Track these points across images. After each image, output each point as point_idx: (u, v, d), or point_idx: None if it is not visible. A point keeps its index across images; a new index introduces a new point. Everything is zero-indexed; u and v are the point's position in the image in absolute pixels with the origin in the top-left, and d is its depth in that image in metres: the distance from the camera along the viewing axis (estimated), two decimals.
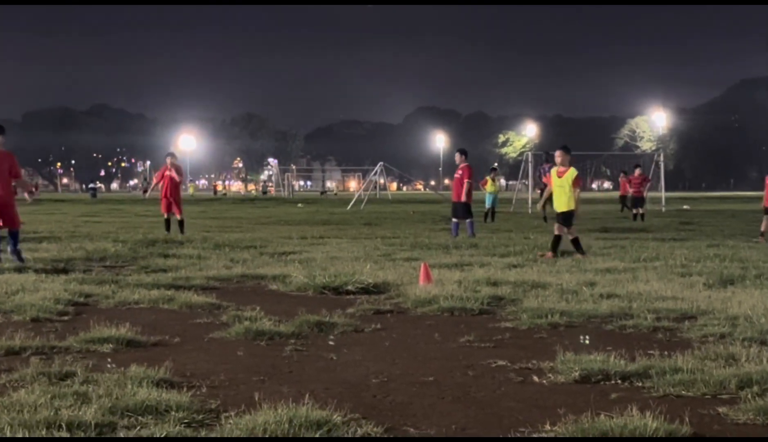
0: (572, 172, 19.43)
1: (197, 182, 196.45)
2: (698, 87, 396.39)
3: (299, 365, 8.37)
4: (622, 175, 53.13)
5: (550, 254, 18.92)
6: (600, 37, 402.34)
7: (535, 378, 7.81)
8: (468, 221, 25.53)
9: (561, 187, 19.47)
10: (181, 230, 26.05)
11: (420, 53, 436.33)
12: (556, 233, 19.38)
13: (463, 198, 25.43)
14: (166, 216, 26.69)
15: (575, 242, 19.25)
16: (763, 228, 25.18)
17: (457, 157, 26.24)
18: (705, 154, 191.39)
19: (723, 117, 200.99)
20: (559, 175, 19.55)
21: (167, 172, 26.40)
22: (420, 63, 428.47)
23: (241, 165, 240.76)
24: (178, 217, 26.35)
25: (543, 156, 38.57)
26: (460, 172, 25.78)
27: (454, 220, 26.06)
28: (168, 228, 26.47)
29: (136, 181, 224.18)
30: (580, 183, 19.83)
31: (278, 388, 7.38)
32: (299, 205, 67.79)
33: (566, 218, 19.38)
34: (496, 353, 8.91)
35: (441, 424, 6.38)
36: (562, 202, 19.44)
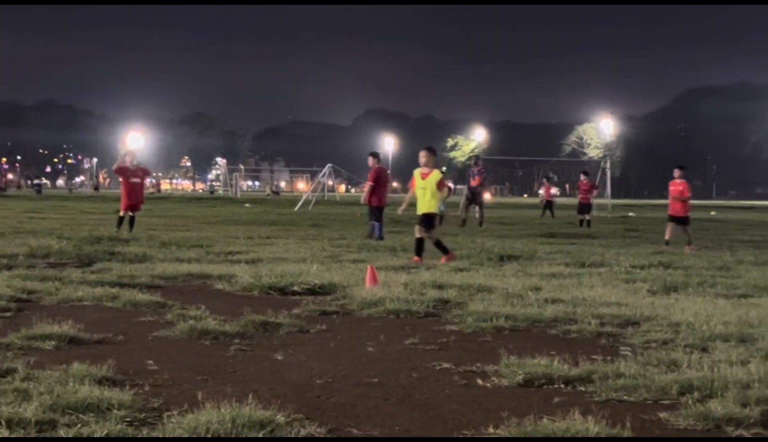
0: (436, 175, 18.98)
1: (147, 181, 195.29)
2: (646, 95, 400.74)
3: (243, 365, 8.34)
4: (544, 180, 53.64)
5: (417, 258, 18.51)
6: (550, 44, 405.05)
7: (479, 381, 7.83)
8: (375, 223, 25.78)
9: (424, 190, 18.99)
10: (131, 228, 25.88)
11: (371, 56, 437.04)
12: (417, 235, 18.98)
13: (366, 200, 25.83)
14: (123, 214, 26.38)
15: (438, 244, 18.92)
16: (667, 236, 25.37)
17: (369, 160, 26.56)
18: (651, 162, 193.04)
19: (670, 125, 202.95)
20: (423, 176, 19.09)
21: (133, 179, 26.20)
22: (370, 65, 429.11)
23: (189, 164, 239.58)
24: (136, 214, 26.29)
25: (471, 160, 38.71)
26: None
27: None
28: (121, 224, 26.19)
29: (83, 178, 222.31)
30: (444, 186, 19.44)
31: (222, 387, 7.35)
32: (247, 205, 67.53)
33: (428, 221, 18.91)
34: (441, 355, 8.93)
35: (384, 425, 6.39)
36: (424, 204, 18.95)
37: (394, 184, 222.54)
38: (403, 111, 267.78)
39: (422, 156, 19.39)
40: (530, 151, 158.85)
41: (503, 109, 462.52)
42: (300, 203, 62.46)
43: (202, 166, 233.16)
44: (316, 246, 22.05)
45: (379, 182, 25.97)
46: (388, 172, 26.08)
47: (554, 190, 54.46)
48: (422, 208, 19.02)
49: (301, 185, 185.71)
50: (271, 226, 34.31)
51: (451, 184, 40.47)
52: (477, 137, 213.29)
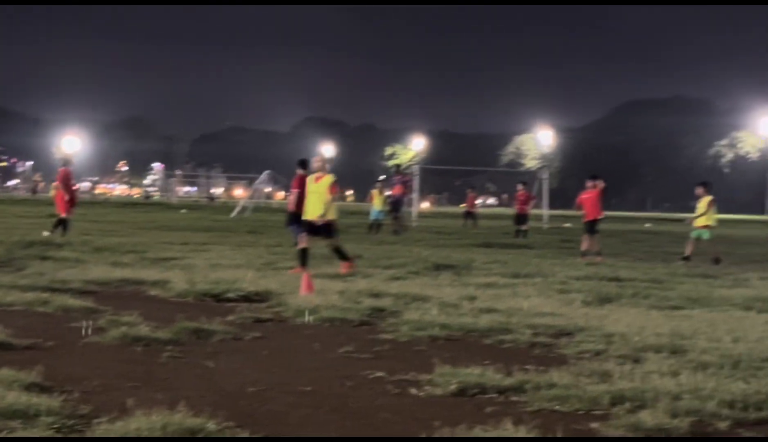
0: (328, 179, 18.50)
1: (81, 185, 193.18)
2: (585, 107, 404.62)
3: (175, 372, 8.27)
4: (469, 190, 53.91)
5: (299, 269, 17.78)
6: (490, 54, 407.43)
7: (413, 390, 7.83)
8: (291, 227, 25.83)
9: (316, 194, 18.57)
10: (65, 230, 25.75)
11: (311, 63, 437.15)
12: (303, 244, 18.47)
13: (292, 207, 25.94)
14: (65, 216, 26.22)
15: (338, 250, 18.56)
16: (584, 247, 25.51)
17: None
18: (588, 174, 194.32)
19: (607, 137, 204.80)
20: (316, 180, 18.71)
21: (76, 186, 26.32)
22: (310, 73, 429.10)
23: (125, 168, 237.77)
24: (68, 216, 26.22)
25: (394, 169, 38.71)
26: None
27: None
28: (66, 228, 26.05)
29: (18, 181, 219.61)
30: (335, 190, 18.81)
31: (153, 394, 7.28)
32: (183, 211, 67.10)
33: (327, 227, 18.42)
34: (375, 364, 8.91)
35: (316, 434, 6.36)
36: (316, 209, 18.44)
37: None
38: (342, 119, 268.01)
39: (316, 160, 19.13)
40: (469, 161, 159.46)
41: (442, 118, 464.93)
42: (237, 210, 62.19)
43: (138, 171, 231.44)
44: (252, 253, 21.96)
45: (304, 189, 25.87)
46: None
47: (479, 201, 54.62)
48: (313, 212, 18.49)
49: (239, 192, 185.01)
50: (207, 232, 34.11)
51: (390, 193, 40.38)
52: (416, 146, 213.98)
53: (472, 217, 50.69)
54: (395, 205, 37.86)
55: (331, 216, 18.57)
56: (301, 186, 25.74)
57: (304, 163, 25.85)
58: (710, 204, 25.41)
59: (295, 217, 25.79)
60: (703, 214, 25.44)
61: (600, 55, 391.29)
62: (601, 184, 26.24)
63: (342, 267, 18.12)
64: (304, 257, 18.26)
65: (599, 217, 26.01)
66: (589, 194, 26.12)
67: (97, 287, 14.44)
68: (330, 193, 18.47)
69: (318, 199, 18.49)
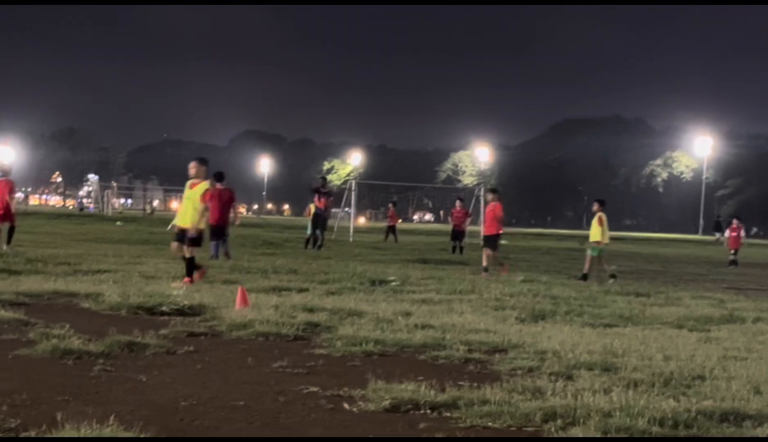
0: (203, 186, 18.14)
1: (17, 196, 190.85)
2: (522, 125, 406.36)
3: (107, 386, 8.19)
4: (391, 205, 54.02)
5: (188, 279, 17.67)
6: (427, 70, 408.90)
7: (346, 406, 7.81)
8: (213, 243, 25.98)
9: (190, 200, 18.21)
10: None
11: (249, 77, 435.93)
12: (179, 253, 18.26)
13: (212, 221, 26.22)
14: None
15: (190, 261, 17.89)
16: (484, 263, 25.63)
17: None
18: (525, 191, 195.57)
19: (544, 155, 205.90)
20: (191, 186, 18.32)
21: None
22: (248, 87, 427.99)
23: (60, 180, 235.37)
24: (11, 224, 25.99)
25: (319, 180, 38.60)
26: None
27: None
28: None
29: None
30: (207, 198, 18.46)
31: (83, 408, 7.20)
32: (118, 223, 66.51)
33: (196, 236, 18.01)
34: (309, 379, 8.88)
35: None
36: (187, 217, 18.09)
37: (269, 205, 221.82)
38: (280, 133, 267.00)
39: (192, 167, 18.62)
40: (406, 176, 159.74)
41: (380, 134, 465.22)
42: (173, 223, 61.77)
43: (73, 183, 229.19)
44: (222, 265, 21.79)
45: (218, 202, 25.84)
46: (232, 191, 26.45)
47: (416, 217, 54.79)
48: (185, 220, 18.11)
49: (176, 204, 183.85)
50: (142, 245, 33.88)
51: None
52: (353, 161, 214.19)
53: (393, 232, 50.70)
54: (317, 218, 37.64)
55: (201, 225, 18.15)
56: (219, 199, 25.97)
57: (220, 176, 26.05)
58: (600, 221, 25.72)
59: (216, 231, 26.07)
60: (596, 230, 25.75)
61: (536, 73, 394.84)
62: (497, 202, 26.15)
63: (184, 280, 17.68)
64: (191, 266, 17.92)
65: (499, 232, 25.97)
66: (490, 209, 26.19)
67: (29, 299, 14.24)
68: (202, 201, 18.03)
69: (191, 207, 18.08)
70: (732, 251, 39.33)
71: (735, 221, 41.24)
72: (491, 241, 25.73)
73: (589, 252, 25.73)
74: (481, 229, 57.75)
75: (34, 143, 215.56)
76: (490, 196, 26.44)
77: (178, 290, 15.66)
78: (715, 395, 8.38)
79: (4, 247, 24.88)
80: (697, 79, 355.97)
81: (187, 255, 17.85)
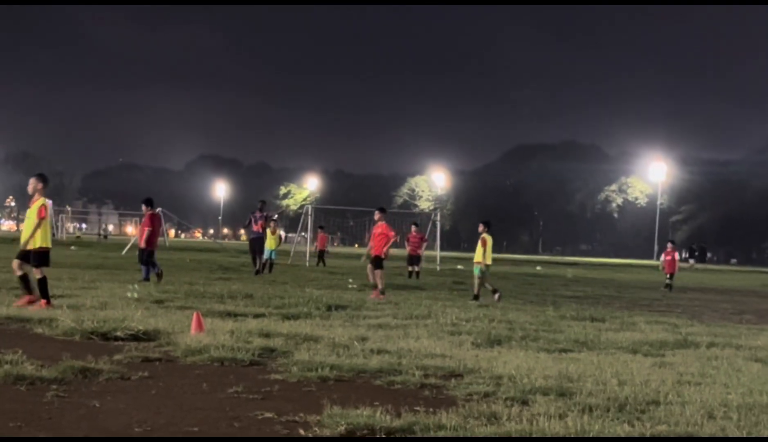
0: (39, 202, 17.52)
1: None
2: (477, 150, 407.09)
3: (59, 412, 8.11)
4: (319, 229, 54.32)
5: (27, 298, 17.34)
6: (384, 95, 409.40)
7: (301, 431, 7.78)
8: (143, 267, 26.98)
9: (29, 218, 17.71)
10: None
11: (204, 101, 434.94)
12: (18, 272, 17.69)
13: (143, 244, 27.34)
14: None
15: (41, 282, 17.29)
16: (370, 279, 25.68)
17: (143, 208, 28.22)
18: (480, 216, 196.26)
19: (500, 180, 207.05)
20: (29, 204, 17.89)
21: None
22: (203, 111, 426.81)
23: (13, 204, 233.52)
24: None
25: (258, 204, 38.54)
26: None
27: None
28: None
29: None
30: (43, 214, 17.66)
31: (35, 434, 7.14)
32: (72, 247, 66.05)
33: (39, 257, 17.41)
34: (264, 405, 8.85)
35: None
36: (25, 234, 17.56)
37: (225, 230, 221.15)
38: (236, 157, 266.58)
39: (30, 184, 18.08)
40: (362, 201, 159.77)
41: (337, 158, 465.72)
42: (128, 247, 61.41)
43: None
44: (142, 291, 21.65)
45: (148, 226, 27.01)
46: (160, 216, 27.73)
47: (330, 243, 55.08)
48: (24, 238, 17.57)
49: (130, 229, 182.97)
50: (97, 269, 33.60)
51: (282, 233, 40.19)
52: (310, 186, 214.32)
53: (322, 256, 51.01)
54: (253, 242, 37.47)
55: (39, 243, 17.53)
56: (152, 224, 26.80)
57: (149, 202, 27.00)
58: (483, 242, 26.04)
59: (148, 254, 26.63)
60: (480, 252, 26.00)
61: (490, 99, 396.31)
62: (384, 221, 26.05)
63: (20, 300, 17.46)
64: (24, 284, 17.62)
65: (377, 253, 25.66)
66: (376, 230, 26.05)
67: None
68: (38, 217, 17.55)
69: (29, 224, 17.65)
70: (668, 276, 39.54)
71: (669, 245, 41.24)
72: (376, 261, 25.52)
73: (474, 273, 26.01)
74: (437, 254, 57.92)
75: None
76: (377, 216, 26.31)
77: (35, 311, 15.71)
78: (670, 420, 8.43)
79: None
80: (650, 104, 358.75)
81: (38, 276, 17.31)
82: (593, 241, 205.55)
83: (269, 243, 38.26)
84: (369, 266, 25.83)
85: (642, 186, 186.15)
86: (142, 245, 27.25)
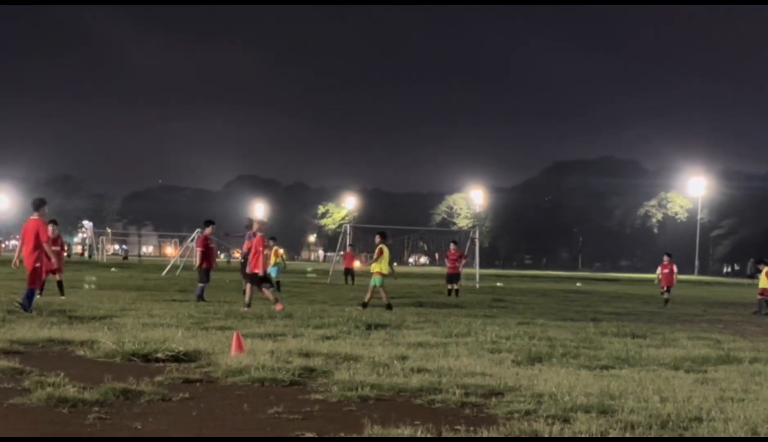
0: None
1: (7, 243, 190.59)
2: (515, 167, 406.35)
3: (102, 434, 8.15)
4: (348, 248, 54.85)
5: None
6: (422, 114, 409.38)
7: None
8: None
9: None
10: None
11: (242, 122, 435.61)
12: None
13: None
14: None
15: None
16: (267, 297, 25.52)
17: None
18: (519, 233, 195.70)
19: (538, 197, 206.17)
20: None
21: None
22: (242, 131, 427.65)
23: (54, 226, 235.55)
24: None
25: (246, 221, 38.10)
26: None
27: None
28: None
29: None
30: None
31: None
32: (112, 269, 66.48)
33: None
34: (305, 425, 8.85)
35: None
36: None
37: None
38: (274, 177, 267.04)
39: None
40: (401, 219, 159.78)
41: (374, 177, 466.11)
42: (168, 268, 61.72)
43: (68, 229, 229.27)
44: (182, 312, 21.74)
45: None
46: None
47: (411, 260, 55.48)
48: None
49: (170, 250, 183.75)
50: (137, 291, 33.79)
51: (281, 251, 40.04)
52: (348, 205, 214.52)
53: (350, 274, 51.30)
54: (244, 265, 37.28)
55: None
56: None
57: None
58: (380, 252, 27.26)
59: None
60: (376, 262, 27.35)
61: (528, 115, 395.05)
62: (261, 233, 26.03)
63: None
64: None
65: (256, 270, 25.41)
66: (255, 242, 25.94)
67: (23, 347, 14.22)
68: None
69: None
70: (665, 289, 38.60)
71: (666, 258, 40.04)
72: (254, 278, 25.36)
73: (374, 283, 26.94)
74: (476, 272, 57.81)
75: (29, 190, 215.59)
76: (255, 226, 26.46)
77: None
78: (713, 437, 8.35)
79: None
80: (689, 119, 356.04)
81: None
82: (633, 257, 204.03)
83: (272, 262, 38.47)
84: (253, 285, 25.58)
85: (682, 201, 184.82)
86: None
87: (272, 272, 38.37)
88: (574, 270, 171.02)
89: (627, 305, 35.95)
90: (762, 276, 35.29)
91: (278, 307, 23.88)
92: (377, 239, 27.64)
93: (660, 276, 39.82)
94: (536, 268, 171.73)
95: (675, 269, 39.62)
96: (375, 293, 26.81)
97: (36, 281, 20.77)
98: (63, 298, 25.91)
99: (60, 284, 27.74)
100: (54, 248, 24.85)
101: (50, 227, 23.94)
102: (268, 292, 25.30)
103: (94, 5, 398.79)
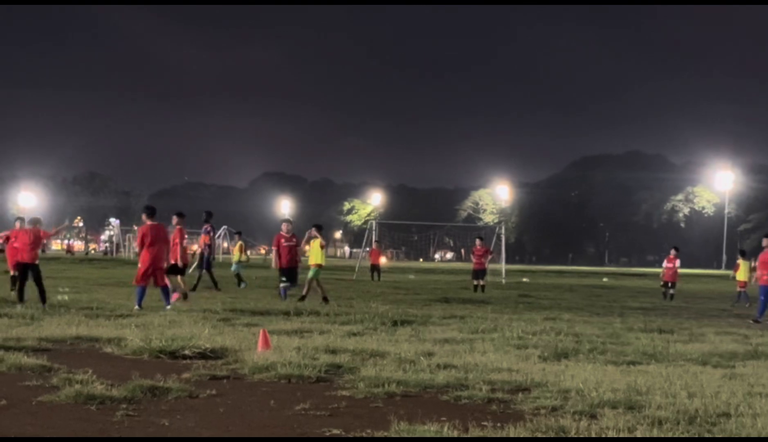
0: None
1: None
2: (541, 162, 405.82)
3: (129, 431, 8.18)
4: (375, 244, 54.79)
5: None
6: (446, 109, 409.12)
7: None
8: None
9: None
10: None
11: (268, 119, 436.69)
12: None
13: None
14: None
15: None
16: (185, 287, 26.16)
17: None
18: (545, 228, 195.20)
19: (564, 192, 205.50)
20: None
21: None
22: (267, 128, 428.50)
23: (81, 224, 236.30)
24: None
25: (203, 216, 37.75)
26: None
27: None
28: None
29: None
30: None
31: None
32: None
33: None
34: (331, 421, 8.86)
35: None
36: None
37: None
38: (299, 174, 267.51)
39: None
40: (426, 215, 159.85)
41: (400, 173, 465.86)
42: (194, 265, 61.84)
43: (95, 227, 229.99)
44: (208, 309, 21.81)
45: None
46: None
47: (437, 256, 55.42)
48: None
49: (195, 247, 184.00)
50: None
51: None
52: (373, 201, 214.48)
53: (377, 270, 51.48)
54: (201, 259, 37.22)
55: None
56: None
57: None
58: (321, 245, 27.74)
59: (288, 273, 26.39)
60: (313, 254, 27.63)
61: (556, 110, 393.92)
62: (181, 226, 26.91)
63: None
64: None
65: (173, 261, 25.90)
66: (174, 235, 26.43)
67: (52, 345, 14.30)
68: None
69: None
70: (669, 284, 37.53)
71: (673, 252, 38.84)
72: (173, 268, 25.75)
73: (310, 275, 27.17)
74: (503, 267, 57.73)
75: (56, 188, 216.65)
76: (174, 221, 26.69)
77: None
78: (741, 433, 8.33)
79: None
80: (716, 113, 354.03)
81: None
82: (660, 251, 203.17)
83: (236, 257, 39.00)
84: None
85: (709, 195, 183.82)
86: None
87: (234, 267, 38.84)
88: (600, 265, 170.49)
89: (654, 300, 35.80)
90: (741, 268, 35.93)
91: (175, 296, 24.42)
92: (313, 231, 27.74)
93: (664, 270, 38.63)
94: (562, 263, 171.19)
95: (678, 263, 38.70)
96: (312, 283, 27.01)
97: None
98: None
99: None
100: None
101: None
102: (180, 280, 26.05)
103: (120, 5, 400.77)
